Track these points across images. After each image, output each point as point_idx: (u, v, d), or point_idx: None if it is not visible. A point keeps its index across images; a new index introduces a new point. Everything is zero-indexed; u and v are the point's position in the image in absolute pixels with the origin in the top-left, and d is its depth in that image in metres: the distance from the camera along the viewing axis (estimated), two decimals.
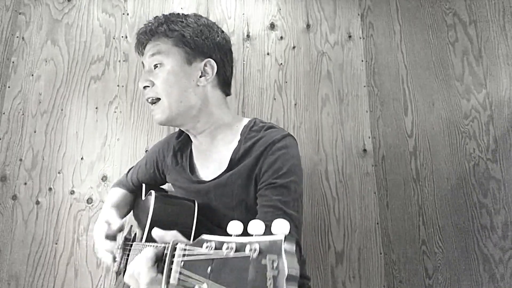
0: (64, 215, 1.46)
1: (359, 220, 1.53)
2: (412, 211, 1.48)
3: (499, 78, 1.16)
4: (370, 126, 1.62)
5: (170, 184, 1.15)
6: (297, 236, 0.87)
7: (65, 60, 1.61)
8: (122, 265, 0.98)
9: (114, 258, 0.94)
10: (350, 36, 1.71)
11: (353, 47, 1.70)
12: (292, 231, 0.77)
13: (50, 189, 1.48)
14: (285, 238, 0.36)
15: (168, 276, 0.48)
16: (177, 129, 1.14)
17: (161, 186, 1.23)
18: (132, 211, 1.20)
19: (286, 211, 0.83)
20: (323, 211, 1.53)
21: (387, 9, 1.67)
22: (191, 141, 1.07)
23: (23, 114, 1.54)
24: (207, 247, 0.43)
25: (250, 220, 0.41)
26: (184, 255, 0.47)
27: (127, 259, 0.94)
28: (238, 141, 0.95)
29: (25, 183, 1.48)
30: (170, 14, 0.98)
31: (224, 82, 1.02)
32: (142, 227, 0.95)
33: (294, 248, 0.36)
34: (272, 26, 1.70)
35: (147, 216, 0.88)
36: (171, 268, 0.49)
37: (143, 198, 1.08)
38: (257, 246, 0.37)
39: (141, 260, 0.57)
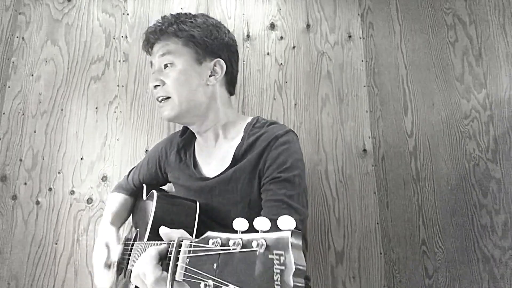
0: (64, 215, 1.46)
1: (359, 220, 1.53)
2: (412, 211, 1.47)
3: (499, 78, 1.16)
4: (370, 126, 1.63)
5: (171, 185, 1.15)
6: (303, 229, 0.87)
7: (65, 60, 1.60)
8: (123, 265, 0.98)
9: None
10: (350, 36, 1.72)
11: (353, 47, 1.71)
12: (298, 225, 0.77)
13: (50, 189, 1.48)
14: (291, 233, 0.36)
15: (174, 273, 0.48)
16: (177, 129, 1.14)
17: (162, 187, 1.24)
18: (131, 215, 1.21)
19: (291, 204, 0.83)
20: (323, 211, 1.53)
21: (387, 9, 1.67)
22: (195, 139, 1.08)
23: (23, 114, 1.54)
24: (213, 243, 0.43)
25: (254, 216, 0.41)
26: (190, 251, 0.47)
27: (128, 259, 0.94)
28: (242, 138, 0.97)
29: (25, 183, 1.47)
30: (178, 14, 0.99)
31: (231, 81, 1.05)
32: (144, 226, 0.95)
33: (301, 243, 0.36)
34: (272, 26, 1.71)
35: (149, 215, 0.88)
36: (177, 265, 0.48)
37: (144, 198, 1.08)
38: (263, 241, 0.37)
39: (145, 260, 0.58)
